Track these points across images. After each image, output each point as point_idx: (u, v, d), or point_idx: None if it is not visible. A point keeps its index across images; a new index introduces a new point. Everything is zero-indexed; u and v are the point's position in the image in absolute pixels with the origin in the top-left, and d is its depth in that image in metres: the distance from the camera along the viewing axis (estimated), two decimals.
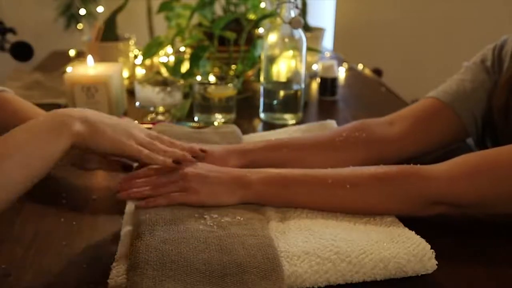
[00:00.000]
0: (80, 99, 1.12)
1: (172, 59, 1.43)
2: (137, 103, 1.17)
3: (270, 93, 1.17)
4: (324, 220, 0.69)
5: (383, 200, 0.70)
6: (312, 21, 1.68)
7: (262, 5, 1.43)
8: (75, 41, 2.31)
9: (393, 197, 0.70)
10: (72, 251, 0.67)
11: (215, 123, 1.13)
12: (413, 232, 0.65)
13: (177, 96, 1.16)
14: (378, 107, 1.31)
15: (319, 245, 0.61)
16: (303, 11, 1.58)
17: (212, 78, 1.19)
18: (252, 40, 1.34)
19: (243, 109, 1.22)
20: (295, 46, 1.13)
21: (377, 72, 2.11)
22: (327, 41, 2.74)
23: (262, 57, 1.16)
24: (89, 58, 1.23)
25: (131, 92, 1.29)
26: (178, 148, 0.76)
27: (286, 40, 1.13)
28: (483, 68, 0.90)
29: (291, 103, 1.17)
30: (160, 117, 1.16)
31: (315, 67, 1.57)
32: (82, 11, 2.67)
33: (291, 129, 1.05)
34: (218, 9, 1.45)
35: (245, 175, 0.72)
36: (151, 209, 0.67)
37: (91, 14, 2.68)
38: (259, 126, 1.17)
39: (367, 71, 1.74)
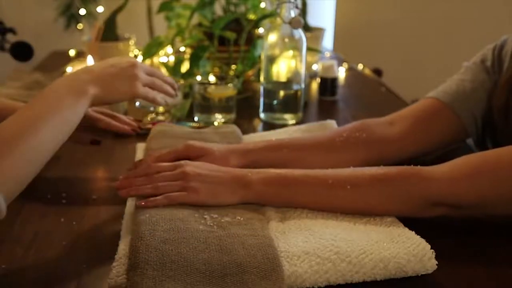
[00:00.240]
0: None
1: (172, 59, 1.42)
2: (137, 103, 1.17)
3: (270, 93, 1.17)
4: (324, 220, 0.69)
5: (384, 201, 0.70)
6: (312, 21, 1.68)
7: (262, 5, 1.43)
8: (75, 41, 2.31)
9: (393, 198, 0.70)
10: (72, 251, 0.67)
11: (215, 123, 1.13)
12: (413, 232, 0.65)
13: (177, 96, 1.16)
14: (378, 107, 1.31)
15: (319, 245, 0.61)
16: (303, 11, 1.58)
17: (212, 78, 1.19)
18: (252, 40, 1.34)
19: (243, 109, 1.22)
20: (295, 46, 1.13)
21: (377, 72, 2.11)
22: (327, 41, 2.74)
23: (262, 57, 1.16)
24: (89, 58, 1.23)
25: None
26: (169, 84, 0.87)
27: (286, 40, 1.13)
28: (483, 68, 0.90)
29: (291, 103, 1.17)
30: (160, 117, 1.16)
31: (315, 67, 1.57)
32: (82, 11, 2.67)
33: (291, 129, 1.05)
34: (218, 9, 1.45)
35: (246, 175, 0.72)
36: (151, 209, 0.67)
37: (91, 14, 2.68)
38: (259, 126, 1.17)
39: (367, 71, 1.75)
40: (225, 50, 1.34)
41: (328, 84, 1.35)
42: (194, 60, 1.27)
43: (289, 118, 1.17)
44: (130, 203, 0.75)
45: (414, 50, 2.75)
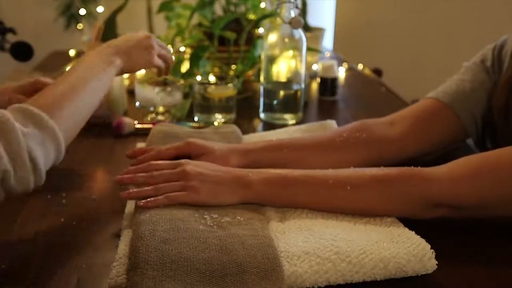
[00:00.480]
0: None
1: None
2: (137, 103, 1.17)
3: (270, 93, 1.17)
4: (324, 220, 0.69)
5: (384, 202, 0.70)
6: (312, 21, 1.68)
7: (262, 5, 1.43)
8: (75, 41, 2.31)
9: (393, 198, 0.70)
10: (72, 251, 0.67)
11: (215, 123, 1.13)
12: (413, 232, 0.65)
13: (177, 96, 1.16)
14: (378, 107, 1.31)
15: (319, 245, 0.61)
16: (303, 11, 1.58)
17: (212, 78, 1.19)
18: (252, 40, 1.34)
19: (243, 109, 1.22)
20: (295, 46, 1.13)
21: (377, 72, 2.11)
22: (327, 41, 2.74)
23: (262, 57, 1.16)
24: None
25: (131, 92, 1.29)
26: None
27: (286, 40, 1.13)
28: (483, 68, 0.90)
29: (291, 103, 1.17)
30: (160, 117, 1.16)
31: (315, 67, 1.57)
32: (82, 11, 2.67)
33: (291, 129, 1.05)
34: (218, 9, 1.45)
35: (246, 175, 0.72)
36: (151, 208, 0.67)
37: (91, 14, 2.68)
38: (259, 126, 1.17)
39: (367, 71, 1.75)
40: (225, 50, 1.34)
41: (328, 84, 1.36)
42: (194, 60, 1.27)
43: (289, 118, 1.17)
44: (130, 203, 0.75)
45: (414, 50, 2.75)
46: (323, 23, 2.35)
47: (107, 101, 1.13)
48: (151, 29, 2.62)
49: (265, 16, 1.37)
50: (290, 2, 1.10)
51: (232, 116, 1.16)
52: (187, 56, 1.38)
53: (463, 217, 0.72)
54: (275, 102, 1.17)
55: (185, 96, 1.23)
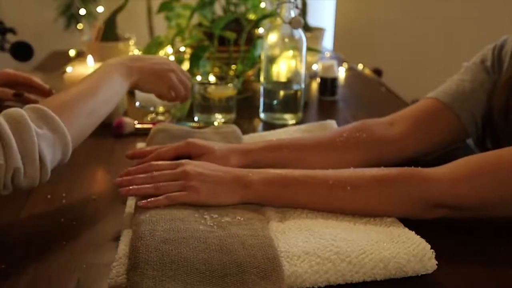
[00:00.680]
0: None
1: (172, 59, 1.42)
2: (137, 103, 1.17)
3: (270, 93, 1.17)
4: (324, 220, 0.69)
5: (384, 202, 0.70)
6: (312, 21, 1.68)
7: (262, 5, 1.43)
8: (75, 41, 2.31)
9: (393, 199, 0.70)
10: (72, 251, 0.67)
11: (215, 123, 1.13)
12: (413, 232, 0.65)
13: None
14: (378, 107, 1.31)
15: (319, 245, 0.61)
16: (303, 11, 1.58)
17: (212, 78, 1.19)
18: (252, 40, 1.34)
19: (243, 109, 1.22)
20: (295, 46, 1.13)
21: (377, 72, 2.11)
22: (327, 41, 2.74)
23: (262, 57, 1.16)
24: (89, 58, 1.23)
25: (131, 92, 1.29)
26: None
27: (286, 40, 1.13)
28: (483, 68, 0.90)
29: (291, 103, 1.17)
30: (160, 117, 1.16)
31: (315, 67, 1.57)
32: (82, 11, 2.67)
33: (291, 129, 1.05)
34: (218, 9, 1.45)
35: (246, 175, 0.72)
36: (151, 208, 0.67)
37: (91, 14, 2.68)
38: (259, 126, 1.17)
39: (367, 71, 1.75)
40: (225, 50, 1.34)
41: (328, 84, 1.35)
42: (194, 60, 1.27)
43: (289, 118, 1.17)
44: (130, 203, 0.75)
45: (414, 50, 2.75)
46: (323, 23, 2.34)
47: None
48: (151, 29, 2.62)
49: (265, 16, 1.37)
50: (290, 2, 1.10)
51: (232, 116, 1.16)
52: (187, 56, 1.38)
53: (463, 218, 0.72)
54: (275, 102, 1.17)
55: None
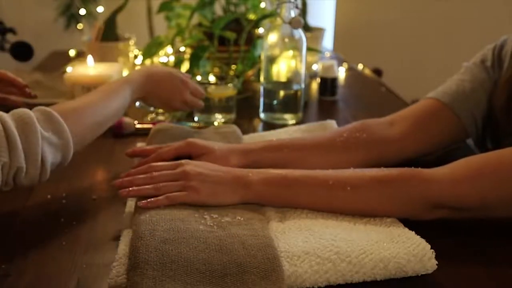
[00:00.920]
0: None
1: (172, 59, 1.42)
2: (137, 103, 1.16)
3: (270, 93, 1.17)
4: (324, 220, 0.69)
5: (384, 203, 0.70)
6: (312, 21, 1.68)
7: (262, 5, 1.43)
8: (75, 41, 2.31)
9: (393, 199, 0.70)
10: (72, 251, 0.67)
11: (215, 123, 1.13)
12: (413, 232, 0.65)
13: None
14: (378, 107, 1.31)
15: (319, 245, 0.61)
16: (303, 11, 1.58)
17: (212, 78, 1.19)
18: (252, 40, 1.34)
19: (243, 109, 1.22)
20: (295, 46, 1.13)
21: (377, 72, 2.11)
22: (327, 41, 2.74)
23: (262, 57, 1.16)
24: (89, 58, 1.23)
25: None
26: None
27: (286, 40, 1.13)
28: (483, 68, 0.90)
29: (291, 103, 1.17)
30: (160, 117, 1.16)
31: (315, 67, 1.57)
32: (82, 11, 2.67)
33: (291, 129, 1.05)
34: (218, 9, 1.45)
35: (246, 175, 0.72)
36: (151, 209, 0.67)
37: (91, 14, 2.68)
38: (259, 126, 1.17)
39: (367, 71, 1.75)
40: (225, 50, 1.34)
41: (328, 84, 1.35)
42: (194, 60, 1.27)
43: (289, 118, 1.17)
44: (130, 203, 0.75)
45: (414, 50, 2.75)
46: (323, 23, 2.34)
47: None
48: (151, 29, 2.62)
49: (265, 16, 1.37)
50: (290, 2, 1.10)
51: (232, 116, 1.16)
52: (187, 56, 1.38)
53: (464, 218, 0.72)
54: (275, 102, 1.17)
55: None
